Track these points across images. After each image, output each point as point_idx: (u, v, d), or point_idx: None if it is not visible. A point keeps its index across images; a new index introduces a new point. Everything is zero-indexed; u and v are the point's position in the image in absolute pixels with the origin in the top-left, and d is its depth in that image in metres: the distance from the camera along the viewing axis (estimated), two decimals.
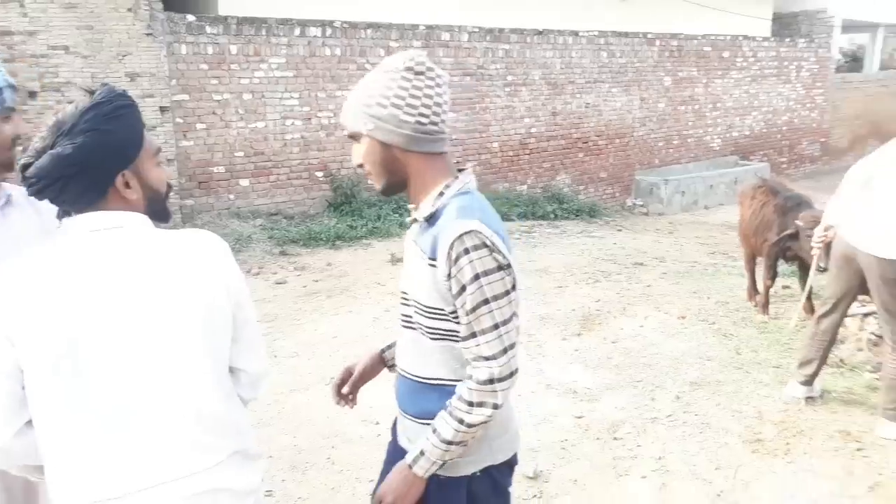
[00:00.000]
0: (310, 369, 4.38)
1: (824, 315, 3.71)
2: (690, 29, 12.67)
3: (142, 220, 1.35)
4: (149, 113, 7.01)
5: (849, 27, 17.58)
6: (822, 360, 3.78)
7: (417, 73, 1.43)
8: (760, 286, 5.37)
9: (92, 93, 1.32)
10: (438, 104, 1.45)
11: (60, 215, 1.34)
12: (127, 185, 1.32)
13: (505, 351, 1.42)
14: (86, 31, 6.87)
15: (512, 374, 1.44)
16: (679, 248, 8.15)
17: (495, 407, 1.43)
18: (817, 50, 15.06)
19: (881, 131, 16.57)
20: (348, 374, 1.84)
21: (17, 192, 1.74)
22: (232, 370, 1.46)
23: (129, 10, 7.04)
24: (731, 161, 13.41)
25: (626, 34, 11.54)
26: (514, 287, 1.44)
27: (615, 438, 3.52)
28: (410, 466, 1.48)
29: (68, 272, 1.25)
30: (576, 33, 10.92)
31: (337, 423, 3.63)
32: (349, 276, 6.48)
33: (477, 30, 9.84)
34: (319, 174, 8.75)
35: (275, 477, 3.17)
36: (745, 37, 13.60)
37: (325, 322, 5.26)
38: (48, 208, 1.43)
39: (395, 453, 1.67)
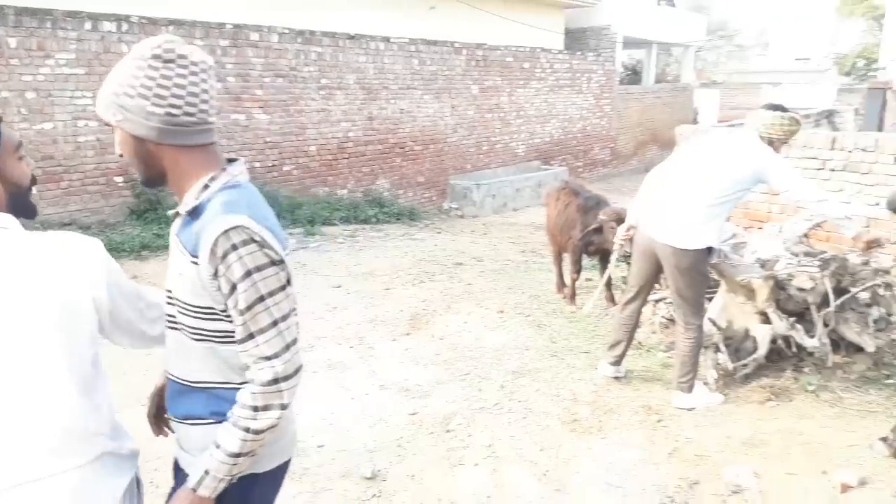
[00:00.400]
0: (122, 390, 4.00)
1: (628, 302, 4.12)
2: (493, 40, 13.40)
3: (3, 221, 1.28)
4: None
5: (628, 43, 19.65)
6: (629, 342, 4.19)
7: (166, 62, 1.33)
8: (567, 279, 5.83)
9: None
10: (194, 94, 1.35)
11: None
12: None
13: (287, 347, 1.37)
14: None
15: (297, 372, 1.39)
16: (493, 247, 8.57)
17: (283, 408, 1.37)
18: (604, 63, 16.61)
19: (658, 138, 18.75)
20: (159, 397, 1.71)
21: None
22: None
23: None
24: (534, 166, 14.37)
25: (434, 42, 11.94)
26: (289, 282, 1.40)
27: (448, 431, 3.64)
28: (195, 490, 1.37)
29: None
30: (387, 39, 11.10)
31: (157, 444, 3.37)
32: (158, 288, 6.03)
33: (287, 31, 9.65)
34: (119, 179, 8.08)
35: None
36: (543, 49, 14.65)
37: None
38: None
39: (176, 469, 1.59)
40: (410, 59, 11.51)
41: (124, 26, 7.92)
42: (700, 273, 3.77)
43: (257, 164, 9.36)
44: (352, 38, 10.54)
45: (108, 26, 7.79)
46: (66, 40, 7.45)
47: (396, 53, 11.25)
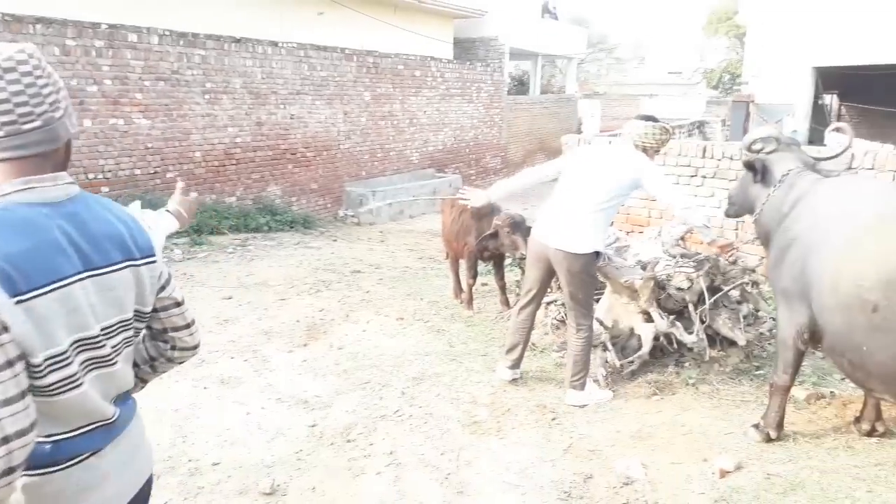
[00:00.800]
0: None
1: (524, 306, 4.23)
2: (384, 47, 13.43)
3: None
4: None
5: (515, 55, 20.26)
6: (525, 345, 4.30)
7: None
8: (464, 285, 5.93)
9: None
10: None
11: None
12: None
13: None
14: None
15: (5, 440, 1.11)
16: (391, 255, 8.57)
17: None
18: (493, 74, 17.02)
19: (545, 146, 19.42)
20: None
21: None
22: None
23: None
24: (428, 173, 14.51)
25: (324, 48, 11.81)
26: (5, 328, 1.15)
27: (349, 441, 3.60)
28: None
29: None
30: (275, 44, 10.87)
31: None
32: None
33: (168, 33, 9.24)
34: None
35: None
36: (433, 58, 14.83)
37: None
38: None
39: None
40: (300, 64, 11.33)
41: None
42: (589, 276, 3.96)
43: (138, 171, 8.89)
44: (237, 41, 10.24)
45: None
46: None
47: (285, 58, 11.04)
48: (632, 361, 4.41)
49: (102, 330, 1.35)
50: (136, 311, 1.45)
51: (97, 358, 1.36)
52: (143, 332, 1.56)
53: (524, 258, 4.52)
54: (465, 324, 5.52)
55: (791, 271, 3.23)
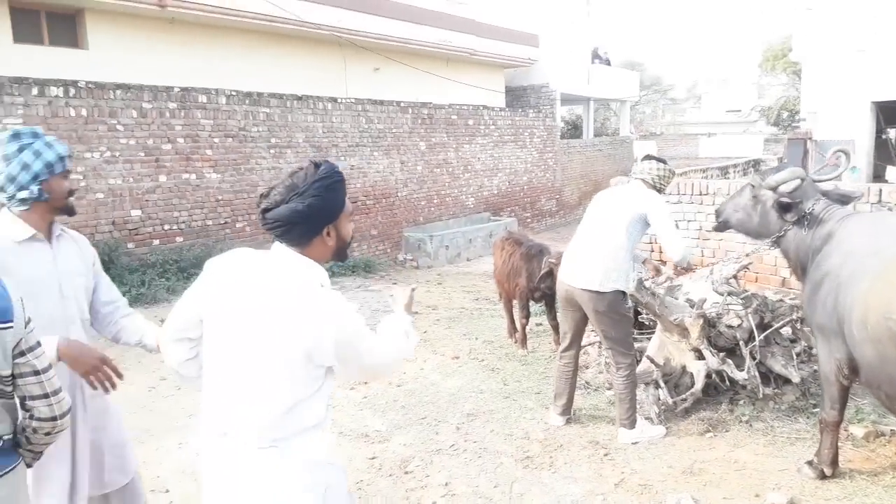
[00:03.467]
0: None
1: (564, 350, 4.32)
2: (438, 99, 13.92)
3: (309, 271, 1.80)
4: None
5: (567, 100, 20.55)
6: (571, 391, 4.35)
7: None
8: (518, 324, 6.07)
9: (318, 165, 1.80)
10: None
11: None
12: (328, 234, 1.83)
13: None
14: None
15: None
16: (448, 296, 8.78)
17: None
18: (545, 119, 17.32)
19: (600, 188, 19.38)
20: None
21: (66, 229, 2.37)
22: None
23: None
24: (484, 217, 14.78)
25: (381, 102, 12.36)
26: None
27: (406, 473, 3.76)
28: None
29: (241, 272, 1.81)
30: (335, 100, 11.46)
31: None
32: (114, 346, 6.01)
33: (235, 93, 9.91)
34: None
35: None
36: (485, 107, 15.26)
37: None
38: (85, 244, 2.42)
39: None
40: (358, 118, 11.88)
41: (71, 91, 8.05)
42: (618, 314, 4.00)
43: (210, 222, 9.45)
44: (299, 98, 10.85)
45: (54, 91, 7.90)
46: (13, 105, 7.54)
47: (344, 113, 11.60)
48: (685, 399, 4.42)
49: None
50: None
51: None
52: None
53: None
54: (520, 362, 5.64)
55: (824, 307, 3.25)
